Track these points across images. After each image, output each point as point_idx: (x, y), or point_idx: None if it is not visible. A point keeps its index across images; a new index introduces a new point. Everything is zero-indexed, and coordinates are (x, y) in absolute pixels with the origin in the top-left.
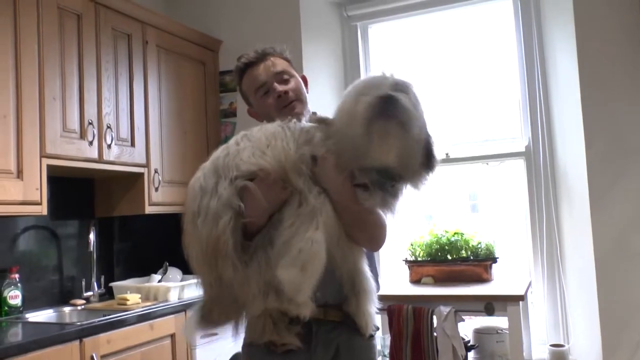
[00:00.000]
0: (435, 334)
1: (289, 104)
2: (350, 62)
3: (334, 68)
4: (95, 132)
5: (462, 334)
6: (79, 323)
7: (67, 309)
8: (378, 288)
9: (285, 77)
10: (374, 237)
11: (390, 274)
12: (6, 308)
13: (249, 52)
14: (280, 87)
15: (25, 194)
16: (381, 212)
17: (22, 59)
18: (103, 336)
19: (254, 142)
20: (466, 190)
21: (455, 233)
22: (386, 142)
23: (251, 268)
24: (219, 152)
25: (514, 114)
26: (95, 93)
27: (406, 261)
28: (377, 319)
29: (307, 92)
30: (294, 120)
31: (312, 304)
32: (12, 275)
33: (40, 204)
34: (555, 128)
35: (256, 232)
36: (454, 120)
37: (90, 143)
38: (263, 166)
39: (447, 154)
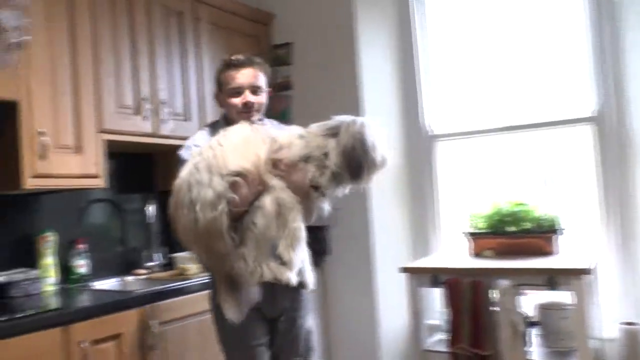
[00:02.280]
0: (494, 308)
1: (249, 112)
2: (405, 31)
3: (388, 38)
4: (150, 107)
5: (523, 310)
6: (140, 291)
7: (130, 278)
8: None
9: (258, 91)
10: (307, 219)
11: (452, 247)
12: (74, 276)
13: (241, 55)
14: (250, 98)
15: (84, 168)
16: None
17: (78, 40)
18: (163, 304)
19: (234, 145)
20: (536, 162)
21: (517, 204)
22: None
23: (248, 247)
24: (206, 152)
25: (583, 77)
26: (148, 70)
27: (467, 233)
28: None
29: (267, 102)
30: (262, 125)
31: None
32: (79, 246)
33: (99, 177)
34: (628, 91)
35: (239, 217)
36: (520, 86)
37: (145, 118)
38: (246, 168)
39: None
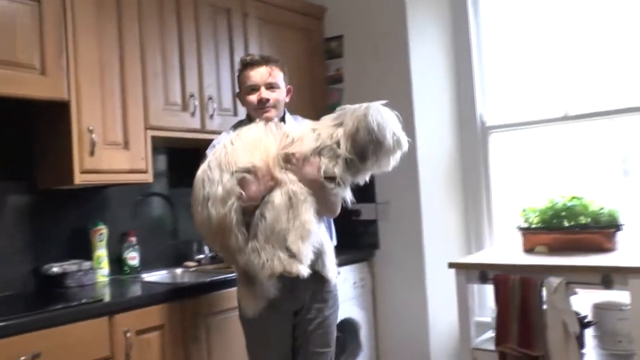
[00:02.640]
0: (544, 307)
1: (265, 108)
2: (458, 19)
3: (440, 28)
4: (197, 103)
5: (576, 309)
6: (185, 283)
7: (179, 270)
8: (334, 242)
9: (274, 87)
10: (333, 210)
11: (503, 243)
12: (126, 268)
13: (256, 54)
14: (264, 94)
15: (132, 163)
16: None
17: (124, 39)
18: (208, 296)
19: (245, 144)
20: (616, 153)
21: (572, 197)
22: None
23: (258, 241)
24: (219, 151)
25: None
26: (196, 67)
27: (519, 228)
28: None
29: (288, 100)
30: (277, 124)
31: (307, 267)
32: (131, 238)
33: (146, 172)
34: None
35: (253, 211)
36: (580, 72)
37: (192, 114)
38: (254, 164)
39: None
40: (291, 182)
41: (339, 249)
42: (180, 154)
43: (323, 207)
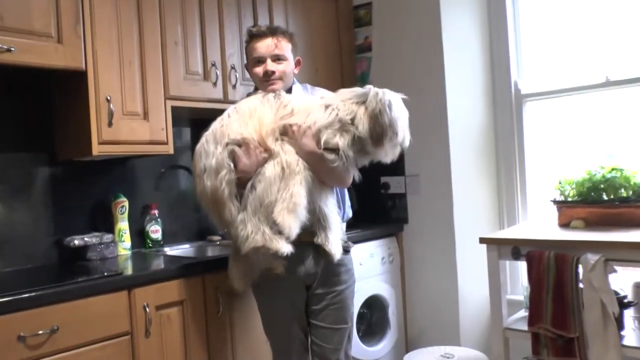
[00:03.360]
0: (581, 285)
1: (270, 80)
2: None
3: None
4: (219, 73)
5: (615, 288)
6: (205, 257)
7: (202, 244)
8: (347, 216)
9: (280, 59)
10: (340, 181)
11: (537, 217)
12: (149, 242)
13: (263, 24)
14: (270, 66)
15: (152, 134)
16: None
17: (144, 8)
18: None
19: (240, 115)
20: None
21: (612, 169)
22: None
23: (247, 213)
24: (216, 123)
25: None
26: (217, 36)
27: (554, 202)
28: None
29: (297, 71)
30: (277, 94)
31: (289, 245)
32: (153, 211)
33: (166, 143)
34: None
35: (246, 183)
36: (620, 37)
37: (214, 84)
38: (245, 136)
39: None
40: (286, 152)
41: (366, 224)
42: (205, 125)
43: (329, 179)
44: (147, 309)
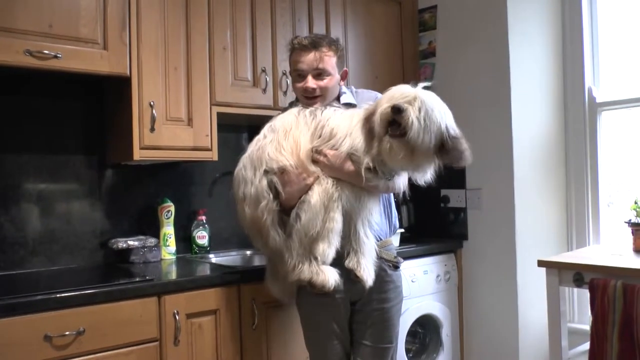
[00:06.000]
0: None
1: (310, 98)
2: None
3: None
4: (269, 79)
5: None
6: (244, 267)
7: (249, 252)
8: (395, 228)
9: (323, 75)
10: (386, 190)
11: (610, 240)
12: (195, 247)
13: (305, 36)
14: (310, 83)
15: (195, 140)
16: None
17: (192, 12)
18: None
19: (275, 134)
20: None
21: None
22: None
23: (293, 241)
24: (253, 145)
25: None
26: (269, 40)
27: (629, 224)
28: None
29: (343, 84)
30: (312, 110)
31: (335, 275)
32: (200, 217)
33: (210, 149)
34: None
35: (291, 209)
36: None
37: (264, 90)
38: (281, 165)
39: None
40: (327, 178)
41: (423, 238)
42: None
43: (376, 191)
44: (177, 317)
